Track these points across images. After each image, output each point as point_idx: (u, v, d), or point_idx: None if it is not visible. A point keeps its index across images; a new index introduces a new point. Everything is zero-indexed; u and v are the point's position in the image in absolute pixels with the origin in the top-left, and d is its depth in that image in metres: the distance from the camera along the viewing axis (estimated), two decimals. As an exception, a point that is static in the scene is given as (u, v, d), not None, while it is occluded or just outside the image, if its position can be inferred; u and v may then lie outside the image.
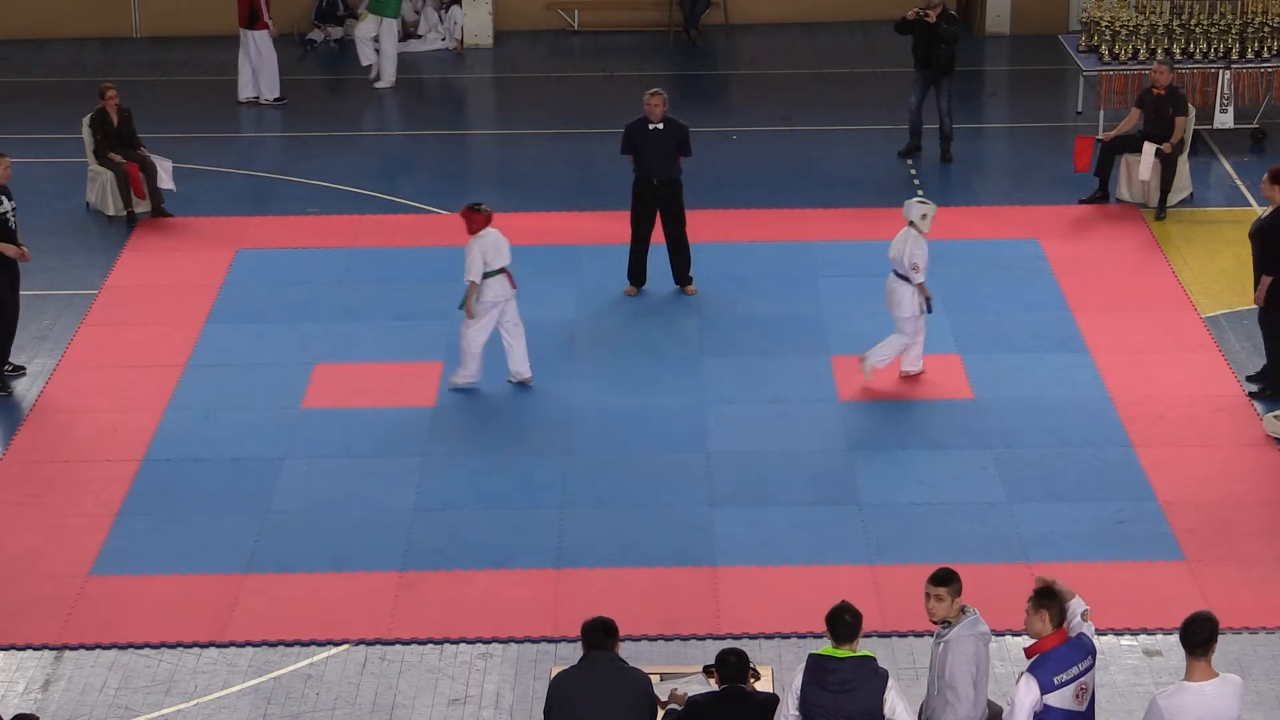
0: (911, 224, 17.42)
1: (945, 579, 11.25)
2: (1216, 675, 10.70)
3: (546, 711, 11.28)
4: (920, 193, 17.49)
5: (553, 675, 11.50)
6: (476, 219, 17.51)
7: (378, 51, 26.70)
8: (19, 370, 18.14)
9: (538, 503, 16.00)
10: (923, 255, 17.37)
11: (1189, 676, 10.69)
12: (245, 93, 25.95)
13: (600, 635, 11.29)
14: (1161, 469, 16.32)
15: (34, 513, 15.97)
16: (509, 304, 17.63)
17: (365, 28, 27.02)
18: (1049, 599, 10.97)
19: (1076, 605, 11.14)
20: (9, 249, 17.71)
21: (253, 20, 25.62)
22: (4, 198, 17.77)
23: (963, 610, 11.28)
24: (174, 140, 23.75)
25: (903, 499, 15.95)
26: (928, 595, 11.28)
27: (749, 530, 15.54)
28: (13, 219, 17.83)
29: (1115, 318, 19.07)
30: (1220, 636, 10.86)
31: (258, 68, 25.80)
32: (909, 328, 17.67)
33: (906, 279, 17.48)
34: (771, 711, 11.34)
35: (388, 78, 26.62)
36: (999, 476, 16.25)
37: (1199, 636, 10.65)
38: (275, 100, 25.92)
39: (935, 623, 11.32)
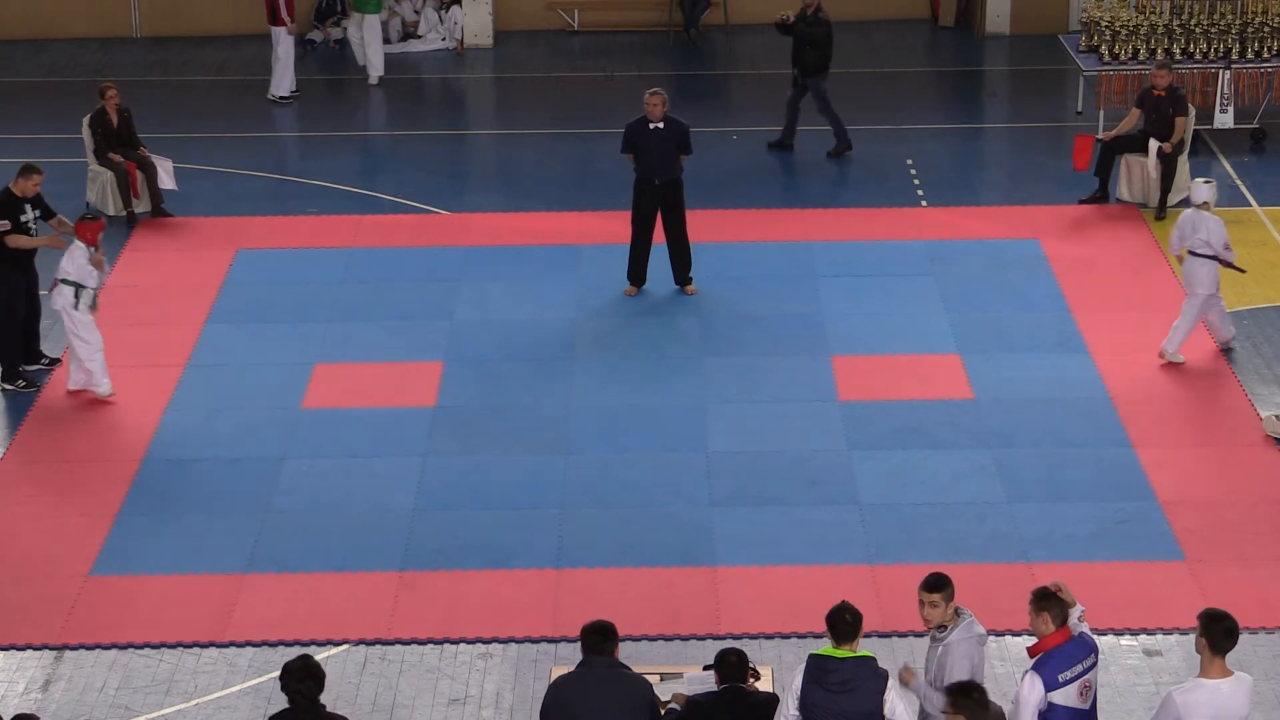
0: (1198, 206, 17.80)
1: (938, 584, 11.21)
2: (1231, 673, 10.72)
3: (544, 716, 11.20)
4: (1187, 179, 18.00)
5: (552, 677, 11.47)
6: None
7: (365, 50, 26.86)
8: (53, 362, 18.22)
9: (538, 503, 15.99)
10: (1221, 233, 17.71)
11: (1205, 673, 10.69)
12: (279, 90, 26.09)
13: (599, 639, 11.21)
14: (1161, 469, 16.32)
15: (34, 513, 15.97)
16: (69, 317, 17.58)
17: (354, 28, 27.07)
18: (1047, 599, 10.97)
19: (1074, 610, 11.14)
20: (23, 240, 17.88)
21: (274, 17, 25.67)
22: (28, 206, 17.96)
23: (957, 613, 11.26)
24: (174, 140, 23.76)
25: (903, 499, 15.95)
26: (922, 603, 11.24)
27: (749, 530, 15.54)
28: (34, 227, 18.06)
29: (1115, 318, 19.07)
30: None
31: (272, 63, 25.85)
32: (1197, 305, 17.82)
33: (1204, 258, 17.71)
34: (771, 711, 11.34)
35: (375, 72, 26.69)
36: (999, 476, 16.25)
37: (1227, 640, 10.65)
38: (279, 98, 25.93)
39: (931, 628, 11.29)
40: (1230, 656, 10.77)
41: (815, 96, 23.41)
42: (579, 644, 11.29)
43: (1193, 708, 10.58)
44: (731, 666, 11.29)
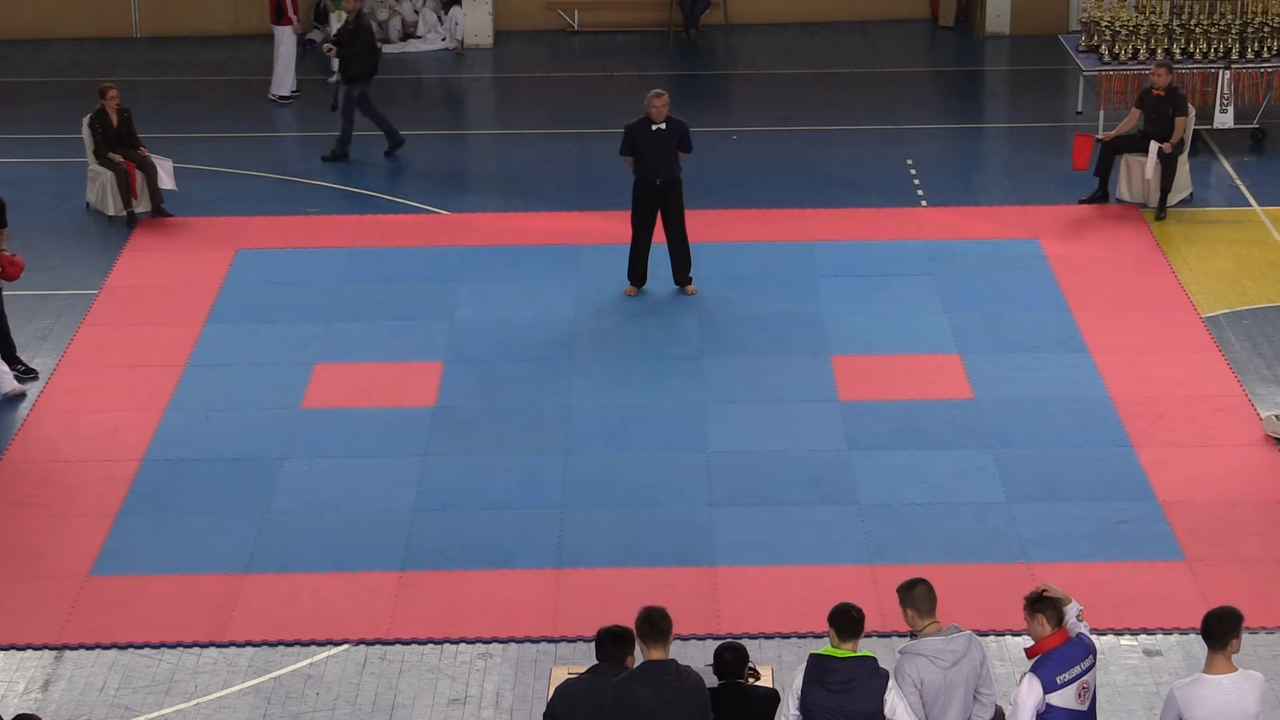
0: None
1: (900, 587, 11.13)
2: (1235, 670, 10.72)
3: (549, 717, 11.10)
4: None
5: (552, 677, 11.44)
6: None
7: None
8: (31, 373, 18.17)
9: (538, 503, 16.00)
10: None
11: (1207, 669, 10.70)
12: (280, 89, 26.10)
13: (614, 644, 11.06)
14: (1161, 469, 16.32)
15: (34, 513, 15.97)
16: None
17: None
18: (1041, 602, 10.96)
19: (1072, 608, 11.14)
20: None
21: (279, 16, 25.69)
22: None
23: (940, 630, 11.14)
24: (174, 140, 23.76)
25: (903, 499, 15.95)
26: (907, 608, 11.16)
27: (749, 530, 15.54)
28: None
29: (1115, 318, 19.07)
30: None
31: (274, 62, 25.86)
32: None
33: None
34: (771, 706, 11.34)
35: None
36: (999, 476, 16.25)
37: (1218, 629, 10.67)
38: (281, 98, 25.95)
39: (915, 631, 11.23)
40: (1234, 655, 10.78)
41: (357, 100, 23.52)
42: (585, 642, 11.17)
43: (1193, 703, 10.58)
44: (728, 664, 11.30)
